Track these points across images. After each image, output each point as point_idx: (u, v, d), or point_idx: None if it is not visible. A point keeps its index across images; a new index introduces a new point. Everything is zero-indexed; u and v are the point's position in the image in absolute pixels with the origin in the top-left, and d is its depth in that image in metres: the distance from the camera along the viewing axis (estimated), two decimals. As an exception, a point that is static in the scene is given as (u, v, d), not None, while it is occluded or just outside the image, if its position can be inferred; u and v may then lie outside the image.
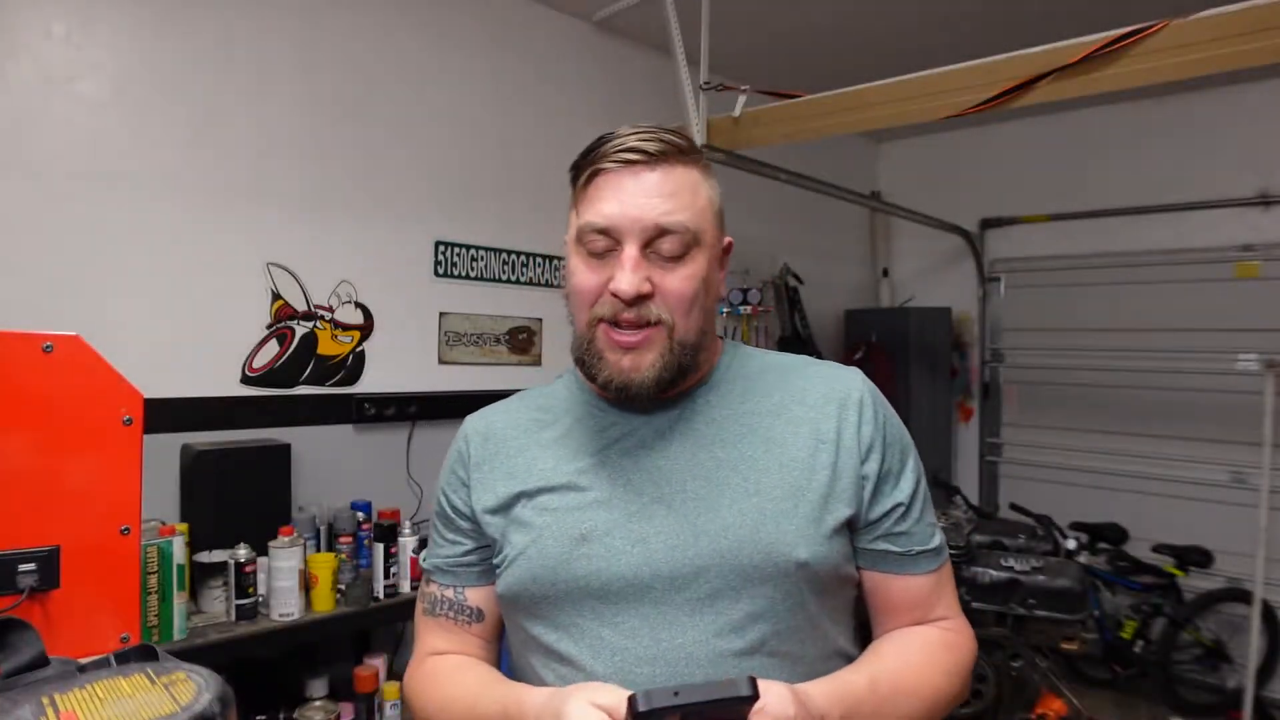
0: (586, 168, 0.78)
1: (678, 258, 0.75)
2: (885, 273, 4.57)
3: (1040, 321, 4.01)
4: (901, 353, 3.92)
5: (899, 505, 0.80)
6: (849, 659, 0.81)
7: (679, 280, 0.75)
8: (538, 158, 2.88)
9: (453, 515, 0.87)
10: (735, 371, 0.85)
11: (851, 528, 0.79)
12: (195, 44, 2.09)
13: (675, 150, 0.76)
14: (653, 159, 0.75)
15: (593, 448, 0.82)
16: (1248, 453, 3.18)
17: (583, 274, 0.78)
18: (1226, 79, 3.25)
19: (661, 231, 0.74)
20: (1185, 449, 3.52)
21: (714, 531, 0.74)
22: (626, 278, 0.73)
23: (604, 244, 0.76)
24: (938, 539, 0.83)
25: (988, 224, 4.19)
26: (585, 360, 0.79)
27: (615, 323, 0.76)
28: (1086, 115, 3.83)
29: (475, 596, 0.87)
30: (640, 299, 0.74)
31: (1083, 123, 3.85)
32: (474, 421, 0.91)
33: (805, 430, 0.79)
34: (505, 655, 0.89)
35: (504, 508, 0.82)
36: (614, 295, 0.74)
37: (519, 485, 0.82)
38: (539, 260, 2.89)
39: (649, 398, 0.78)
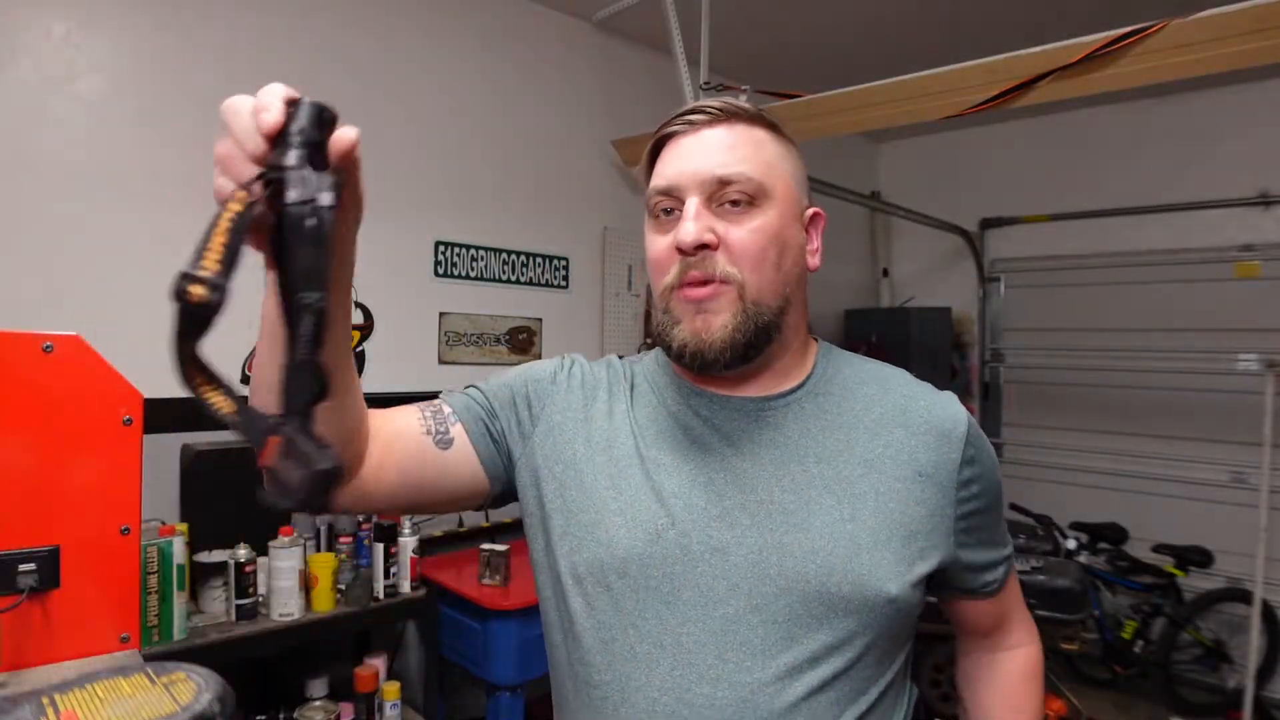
0: (656, 138, 0.77)
1: (743, 209, 0.71)
2: (885, 273, 4.57)
3: (1040, 321, 4.01)
4: (901, 353, 3.92)
5: (996, 562, 0.81)
6: (895, 693, 0.76)
7: (744, 231, 0.70)
8: (538, 158, 2.88)
9: (509, 395, 0.81)
10: (831, 377, 0.79)
11: (938, 568, 0.74)
12: (195, 44, 2.09)
13: (741, 112, 0.75)
14: (715, 118, 0.74)
15: (675, 435, 0.76)
16: (1248, 453, 3.18)
17: (653, 241, 0.75)
18: (1226, 79, 3.25)
19: (722, 183, 0.71)
20: (1185, 449, 3.52)
21: (801, 553, 0.68)
22: (686, 226, 0.70)
23: (667, 203, 0.73)
24: (1011, 554, 0.84)
25: (988, 224, 4.20)
26: (663, 334, 0.74)
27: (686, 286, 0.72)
28: (1086, 115, 3.83)
29: (458, 431, 0.77)
30: (704, 250, 0.70)
31: (1083, 123, 3.85)
32: (583, 362, 0.85)
33: (905, 458, 0.73)
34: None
35: (570, 465, 0.76)
36: (679, 251, 0.71)
37: (593, 449, 0.77)
38: (539, 260, 2.89)
39: (725, 365, 0.71)
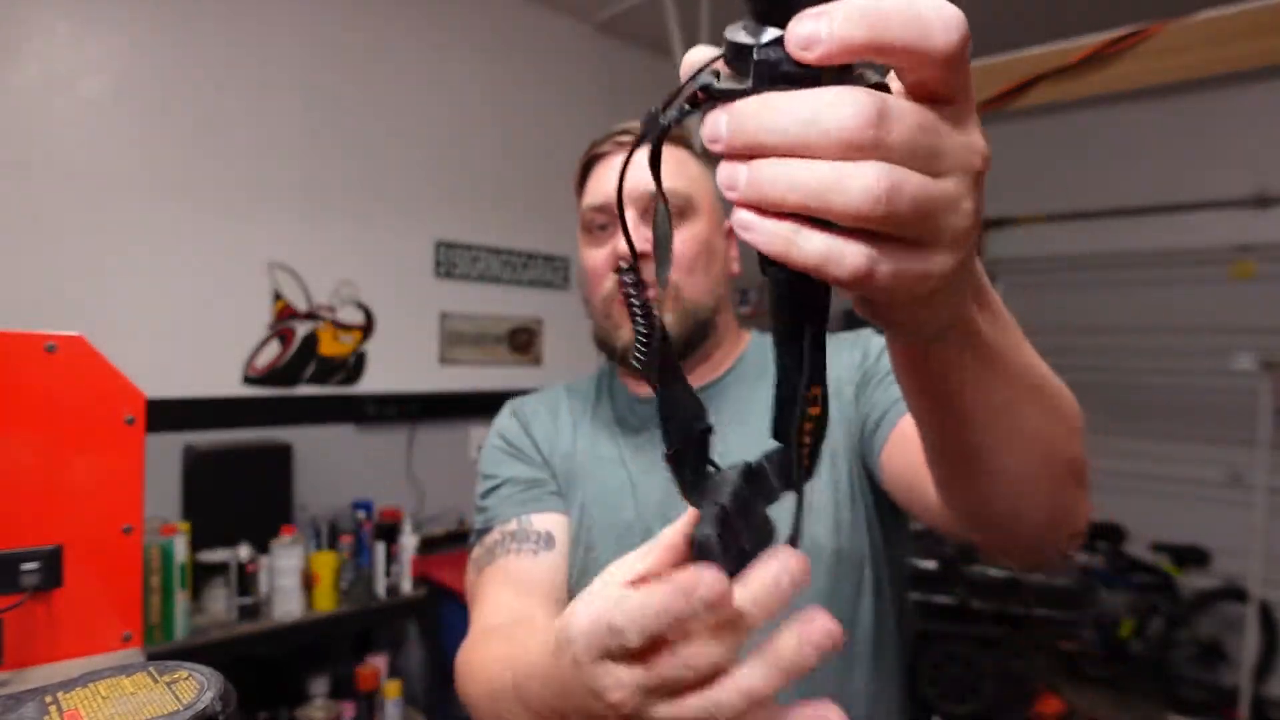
0: (585, 159, 0.82)
1: (673, 221, 0.75)
2: (885, 272, 4.57)
3: (1038, 321, 4.02)
4: (901, 352, 3.92)
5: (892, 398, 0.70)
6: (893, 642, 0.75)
7: (677, 241, 0.75)
8: (538, 159, 2.89)
9: (519, 448, 0.84)
10: (761, 357, 0.85)
11: (866, 462, 0.72)
12: (197, 44, 2.10)
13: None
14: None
15: (615, 433, 0.82)
16: (1244, 452, 3.19)
17: (589, 255, 0.80)
18: (1225, 80, 3.26)
19: (653, 197, 0.75)
20: (1182, 449, 3.52)
21: None
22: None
23: (602, 219, 0.78)
24: None
25: (986, 224, 4.20)
26: (606, 340, 0.79)
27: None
28: (1086, 115, 3.83)
29: (542, 521, 0.77)
30: (642, 259, 0.74)
31: (1083, 123, 3.85)
32: (515, 403, 0.90)
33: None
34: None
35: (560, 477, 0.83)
36: (618, 261, 0.75)
37: (567, 462, 0.82)
38: (540, 260, 2.90)
39: None
